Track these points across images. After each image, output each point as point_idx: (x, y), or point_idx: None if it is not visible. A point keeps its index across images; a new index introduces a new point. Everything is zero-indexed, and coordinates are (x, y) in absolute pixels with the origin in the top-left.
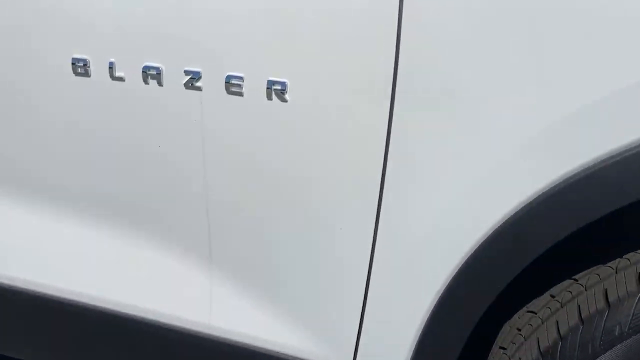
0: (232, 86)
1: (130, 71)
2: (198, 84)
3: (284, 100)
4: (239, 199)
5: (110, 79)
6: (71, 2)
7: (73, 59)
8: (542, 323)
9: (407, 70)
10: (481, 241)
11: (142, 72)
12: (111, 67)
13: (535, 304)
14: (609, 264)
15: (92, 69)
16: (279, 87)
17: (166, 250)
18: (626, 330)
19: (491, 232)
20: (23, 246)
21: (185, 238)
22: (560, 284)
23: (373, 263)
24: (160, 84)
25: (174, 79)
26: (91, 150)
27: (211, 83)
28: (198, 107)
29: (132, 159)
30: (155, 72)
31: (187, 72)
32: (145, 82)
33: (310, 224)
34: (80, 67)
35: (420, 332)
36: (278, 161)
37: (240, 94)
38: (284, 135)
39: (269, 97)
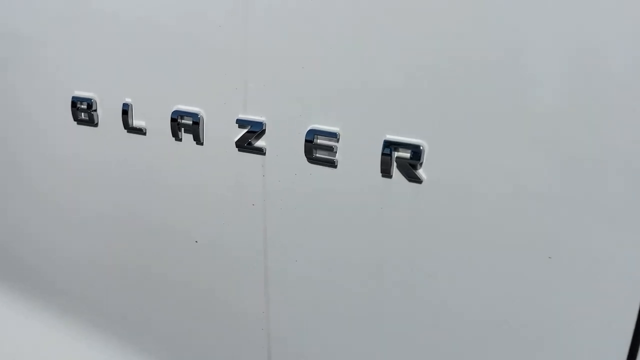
0: (318, 149)
1: (154, 119)
2: (259, 143)
3: (415, 179)
4: (312, 326)
5: (124, 130)
6: (78, 25)
7: (74, 98)
8: None
9: None
10: None
11: (171, 120)
12: (126, 111)
13: None
14: None
15: (100, 114)
16: (404, 155)
17: None
18: None
19: None
20: None
21: None
22: None
23: None
24: (198, 140)
25: (221, 133)
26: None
27: (280, 142)
28: (258, 181)
29: (154, 261)
30: (190, 122)
31: (241, 123)
32: (176, 136)
33: None
34: (84, 111)
35: None
36: (382, 267)
37: (332, 163)
38: (404, 234)
39: (386, 172)
